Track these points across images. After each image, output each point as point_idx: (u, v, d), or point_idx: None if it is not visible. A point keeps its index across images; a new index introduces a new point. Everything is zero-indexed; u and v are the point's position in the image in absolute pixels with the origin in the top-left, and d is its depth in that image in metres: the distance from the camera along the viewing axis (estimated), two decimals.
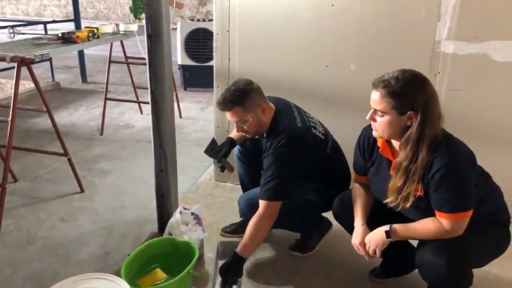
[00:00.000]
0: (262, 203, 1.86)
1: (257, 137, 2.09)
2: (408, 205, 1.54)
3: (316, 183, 2.04)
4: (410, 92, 1.46)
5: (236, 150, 2.24)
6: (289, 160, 1.86)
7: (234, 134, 2.16)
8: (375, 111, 1.53)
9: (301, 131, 1.91)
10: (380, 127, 1.54)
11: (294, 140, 1.86)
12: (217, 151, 2.13)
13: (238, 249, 1.87)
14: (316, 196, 2.03)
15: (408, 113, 1.47)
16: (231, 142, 2.15)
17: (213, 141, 2.20)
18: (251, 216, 1.92)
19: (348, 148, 1.95)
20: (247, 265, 2.08)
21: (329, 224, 2.25)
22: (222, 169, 2.14)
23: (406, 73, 1.49)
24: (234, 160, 2.27)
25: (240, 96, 1.84)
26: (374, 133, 1.60)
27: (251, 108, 1.86)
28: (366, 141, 1.74)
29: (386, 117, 1.51)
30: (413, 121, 1.47)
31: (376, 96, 1.51)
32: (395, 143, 1.60)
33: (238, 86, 1.87)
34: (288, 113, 1.97)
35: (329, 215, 2.09)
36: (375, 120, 1.55)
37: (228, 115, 1.90)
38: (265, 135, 1.98)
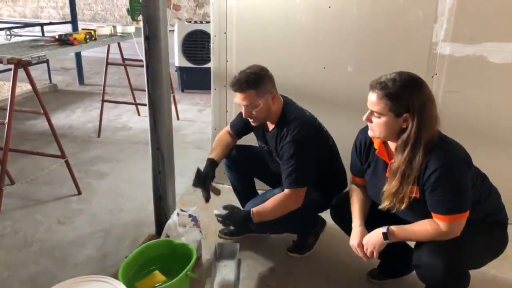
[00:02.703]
0: (288, 191, 1.88)
1: (255, 135, 2.09)
2: (403, 206, 1.54)
3: (317, 181, 2.04)
4: (407, 94, 1.46)
5: (223, 161, 2.21)
6: (307, 145, 1.89)
7: (214, 153, 2.12)
8: (372, 112, 1.54)
9: (311, 119, 1.99)
10: (376, 128, 1.55)
11: (307, 126, 1.93)
12: (202, 179, 2.05)
13: (254, 210, 1.89)
14: (318, 195, 2.04)
15: (404, 115, 1.48)
16: (212, 164, 2.08)
17: (198, 171, 2.10)
18: (257, 227, 1.97)
19: (345, 149, 1.95)
20: (245, 266, 2.09)
21: (323, 222, 2.26)
22: (207, 199, 2.06)
23: (403, 75, 1.50)
24: (223, 169, 2.27)
25: (255, 79, 1.86)
26: (370, 133, 1.61)
27: (263, 93, 1.88)
28: (363, 143, 1.75)
29: (383, 119, 1.51)
30: (408, 123, 1.48)
31: (373, 98, 1.51)
32: (392, 145, 1.60)
33: (253, 70, 1.89)
34: (295, 105, 2.03)
35: (323, 213, 2.09)
36: (371, 121, 1.56)
37: (239, 97, 1.89)
38: (272, 126, 2.00)
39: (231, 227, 1.95)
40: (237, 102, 1.92)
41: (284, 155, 1.89)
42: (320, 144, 1.99)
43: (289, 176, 1.87)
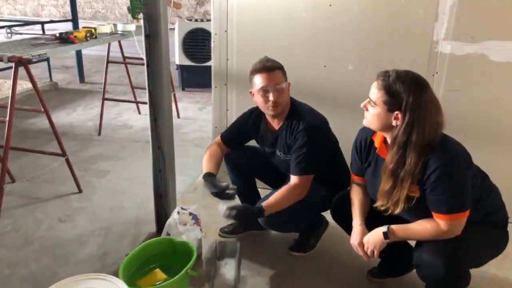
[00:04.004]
0: (295, 178, 1.90)
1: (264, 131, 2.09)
2: (397, 211, 1.54)
3: (325, 177, 2.05)
4: (403, 93, 1.46)
5: (225, 161, 2.20)
6: (320, 134, 1.93)
7: (209, 167, 2.04)
8: (370, 101, 1.55)
9: (318, 112, 2.02)
10: (369, 117, 1.57)
11: (319, 117, 1.99)
12: (221, 189, 1.91)
13: (264, 204, 1.88)
14: (326, 191, 2.04)
15: (396, 112, 1.48)
16: (210, 175, 1.99)
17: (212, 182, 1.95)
18: (270, 225, 2.00)
19: (346, 148, 1.95)
20: (246, 265, 2.09)
21: (326, 223, 2.26)
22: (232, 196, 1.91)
23: (409, 74, 1.49)
24: (224, 168, 2.24)
25: (278, 63, 1.96)
26: (364, 121, 1.62)
27: (286, 76, 1.96)
28: (363, 142, 1.75)
29: (377, 109, 1.52)
30: (398, 121, 1.48)
31: (374, 86, 1.54)
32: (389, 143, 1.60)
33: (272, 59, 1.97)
34: (300, 101, 2.07)
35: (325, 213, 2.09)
36: (367, 109, 1.57)
37: (268, 78, 1.90)
38: (280, 124, 2.01)
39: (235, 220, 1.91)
40: (264, 84, 1.90)
41: (297, 143, 1.91)
42: (329, 137, 2.03)
43: (299, 164, 1.89)
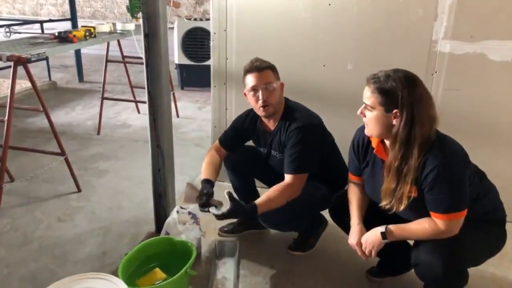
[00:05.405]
0: (289, 176, 1.90)
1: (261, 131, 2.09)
2: (402, 207, 1.54)
3: (324, 177, 2.05)
4: (397, 90, 1.46)
5: (224, 161, 2.19)
6: (314, 133, 1.93)
7: (206, 174, 2.06)
8: (366, 106, 1.55)
9: (313, 112, 2.01)
10: (369, 122, 1.57)
11: (313, 116, 1.99)
12: (203, 198, 1.92)
13: (257, 202, 1.85)
14: (328, 190, 2.04)
15: (394, 111, 1.48)
16: (207, 182, 2.00)
17: (190, 186, 2.00)
18: (272, 224, 2.00)
19: (345, 148, 1.95)
20: (245, 264, 2.09)
21: (326, 222, 2.26)
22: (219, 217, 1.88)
23: (399, 72, 1.50)
24: (224, 168, 2.22)
25: (269, 63, 1.96)
26: (366, 131, 1.62)
27: (277, 76, 1.96)
28: (361, 142, 1.75)
29: (374, 113, 1.52)
30: (398, 119, 1.48)
31: (366, 91, 1.54)
32: (389, 144, 1.60)
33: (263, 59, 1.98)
34: (295, 102, 2.07)
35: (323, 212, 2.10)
36: (365, 115, 1.57)
37: (257, 77, 1.91)
38: (275, 125, 2.01)
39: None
40: (254, 83, 1.91)
41: (291, 141, 1.91)
42: (325, 136, 2.03)
43: (292, 162, 1.89)
